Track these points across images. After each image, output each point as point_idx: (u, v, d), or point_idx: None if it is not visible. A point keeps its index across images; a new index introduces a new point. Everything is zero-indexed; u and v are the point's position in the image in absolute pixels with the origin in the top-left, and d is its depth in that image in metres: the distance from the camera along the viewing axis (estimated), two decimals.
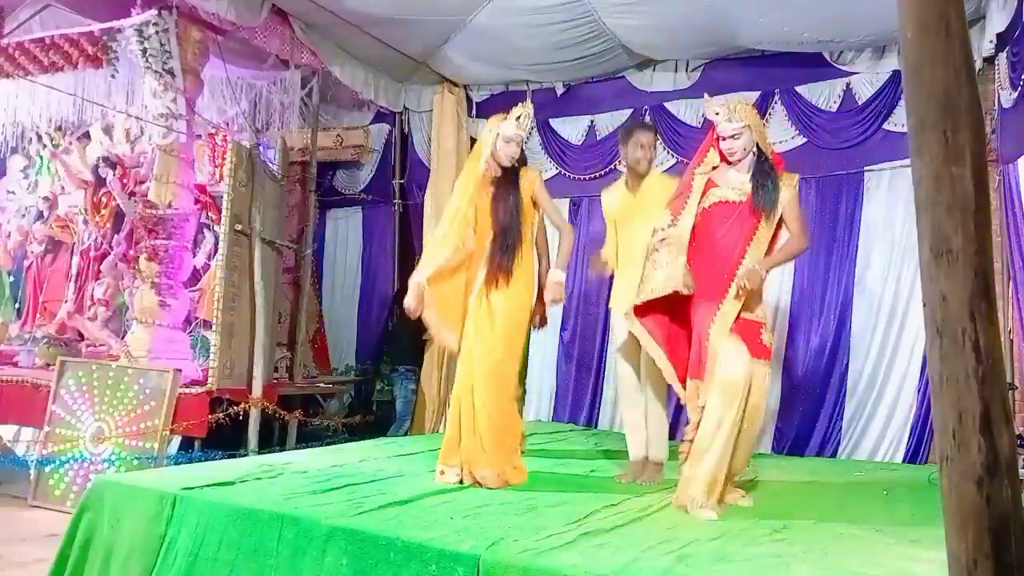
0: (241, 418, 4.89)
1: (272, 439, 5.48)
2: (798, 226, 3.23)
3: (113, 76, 5.55)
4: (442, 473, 3.46)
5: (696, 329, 3.16)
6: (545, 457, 4.33)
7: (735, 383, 2.97)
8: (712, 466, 2.97)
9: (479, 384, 3.39)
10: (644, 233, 3.36)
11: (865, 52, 5.18)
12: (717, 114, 3.22)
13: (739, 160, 3.23)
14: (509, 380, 3.45)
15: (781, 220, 3.21)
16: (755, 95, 5.53)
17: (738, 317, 3.09)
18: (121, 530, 2.97)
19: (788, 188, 3.23)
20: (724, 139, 3.22)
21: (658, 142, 4.09)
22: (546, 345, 6.08)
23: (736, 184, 3.23)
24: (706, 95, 3.34)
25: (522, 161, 3.65)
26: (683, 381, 3.19)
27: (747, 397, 3.01)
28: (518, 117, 3.56)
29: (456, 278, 3.55)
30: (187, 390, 4.74)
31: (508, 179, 3.56)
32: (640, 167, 3.83)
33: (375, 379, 6.72)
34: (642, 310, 3.20)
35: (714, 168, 3.29)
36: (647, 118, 5.92)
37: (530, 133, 3.60)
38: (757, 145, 3.24)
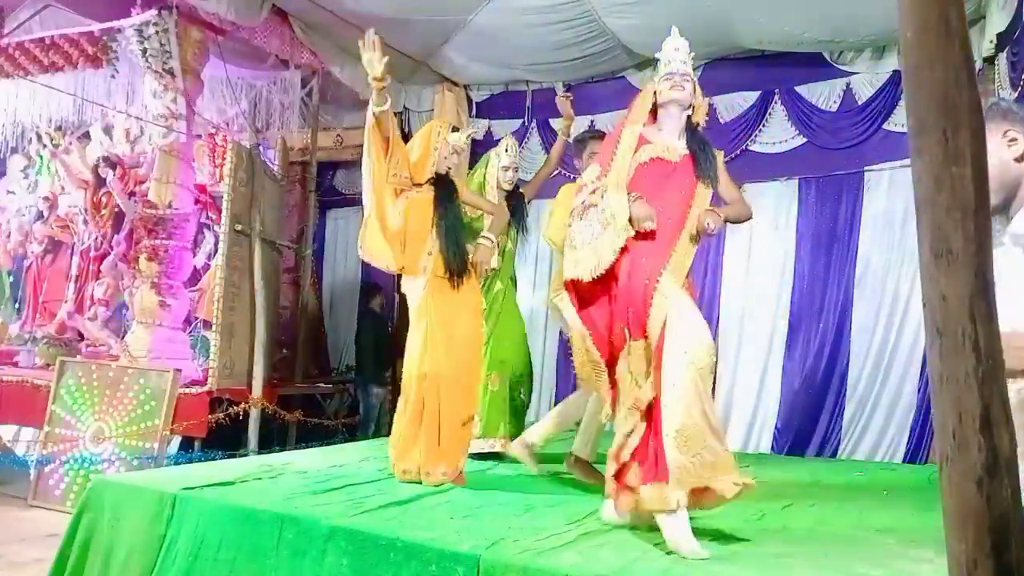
0: (241, 418, 4.89)
1: (272, 439, 5.48)
2: (740, 194, 3.06)
3: (113, 76, 5.56)
4: (404, 472, 3.41)
5: (635, 285, 2.73)
6: (545, 458, 4.33)
7: (710, 349, 2.58)
8: (712, 448, 2.48)
9: (448, 387, 3.39)
10: None
11: (865, 52, 5.18)
12: (677, 50, 3.00)
13: (677, 112, 2.99)
14: (475, 380, 3.58)
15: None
16: (755, 95, 5.54)
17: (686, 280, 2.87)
18: (121, 530, 2.97)
19: (720, 161, 3.06)
20: (674, 76, 2.96)
21: None
22: (546, 345, 6.08)
23: (670, 143, 2.99)
24: (674, 28, 3.09)
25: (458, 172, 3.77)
26: (608, 360, 2.81)
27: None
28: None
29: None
30: (187, 390, 4.75)
31: (444, 187, 3.53)
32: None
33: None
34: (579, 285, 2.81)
35: (645, 125, 3.03)
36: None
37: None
38: (689, 116, 3.01)
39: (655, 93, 3.02)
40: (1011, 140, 2.15)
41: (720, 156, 3.07)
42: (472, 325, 3.54)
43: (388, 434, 5.76)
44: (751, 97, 5.56)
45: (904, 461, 4.79)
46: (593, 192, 2.84)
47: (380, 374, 6.15)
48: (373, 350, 6.10)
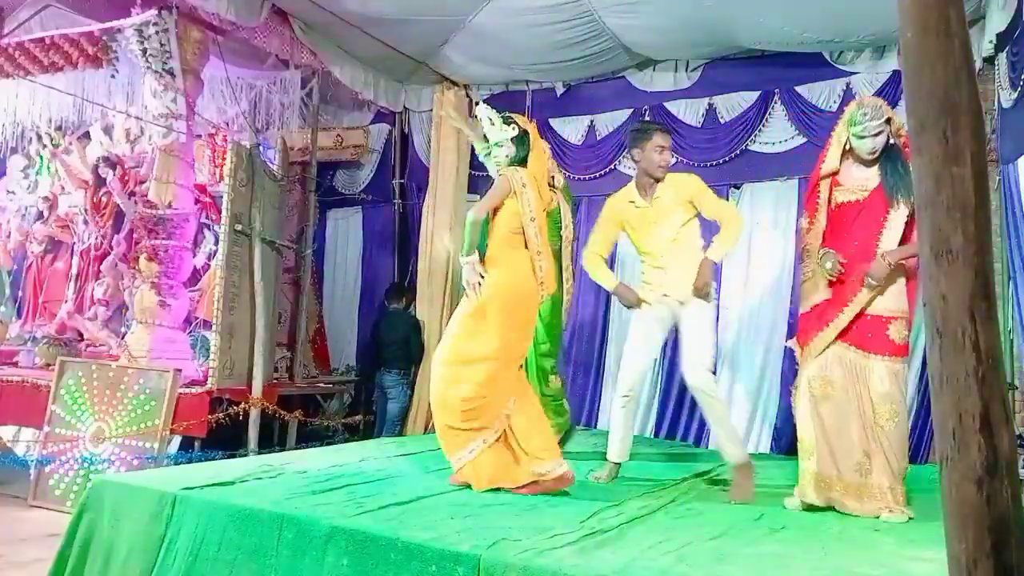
0: (241, 418, 4.89)
1: (272, 439, 5.48)
2: None
3: (113, 76, 5.55)
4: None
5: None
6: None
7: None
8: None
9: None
10: (667, 230, 3.63)
11: (865, 52, 5.17)
12: (866, 115, 3.24)
13: (876, 157, 3.26)
14: (453, 380, 3.43)
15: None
16: (755, 95, 5.54)
17: (862, 315, 3.17)
18: (121, 530, 2.97)
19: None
20: (866, 138, 3.25)
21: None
22: None
23: (861, 181, 3.29)
24: (861, 98, 3.47)
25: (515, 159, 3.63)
26: None
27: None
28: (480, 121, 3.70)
29: None
30: (187, 390, 4.74)
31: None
32: (659, 173, 3.70)
33: (373, 380, 6.65)
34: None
35: (834, 173, 3.38)
36: (647, 117, 5.93)
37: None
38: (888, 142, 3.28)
39: (847, 141, 3.32)
40: None
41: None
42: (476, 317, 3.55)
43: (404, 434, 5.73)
44: (751, 97, 5.56)
45: None
46: (805, 246, 3.43)
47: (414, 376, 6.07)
48: (419, 351, 5.99)
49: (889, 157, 3.25)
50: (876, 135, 3.23)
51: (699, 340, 3.60)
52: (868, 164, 3.29)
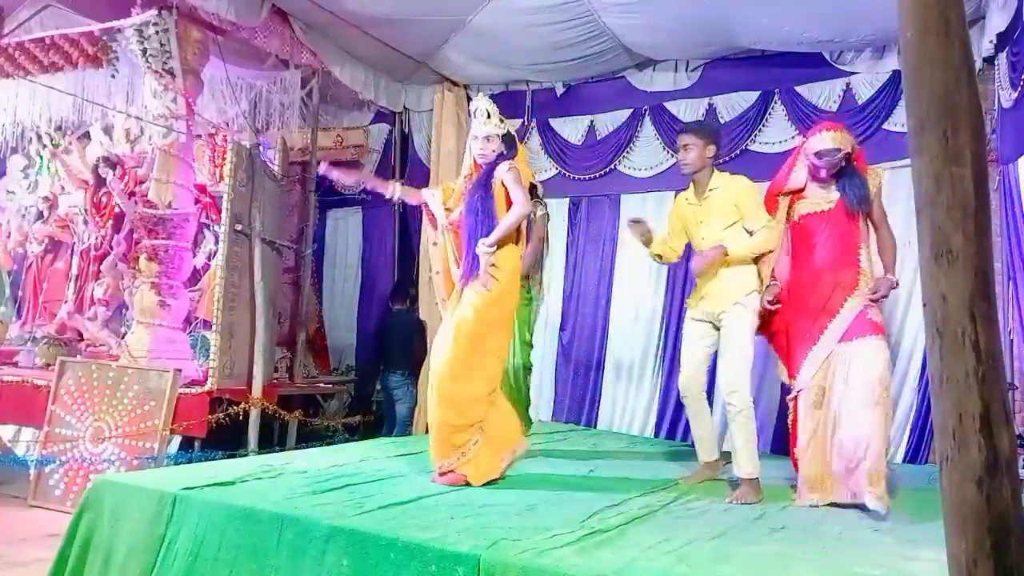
0: (241, 418, 4.89)
1: (272, 439, 5.48)
2: (883, 222, 3.48)
3: (113, 76, 5.55)
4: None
5: (798, 333, 3.45)
6: (545, 457, 4.33)
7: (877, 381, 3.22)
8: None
9: (436, 376, 3.44)
10: (713, 231, 3.59)
11: (865, 52, 5.17)
12: (821, 156, 3.41)
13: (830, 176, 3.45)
14: (466, 376, 3.37)
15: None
16: (755, 95, 5.54)
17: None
18: (121, 530, 2.97)
19: (874, 184, 3.44)
20: (822, 165, 3.43)
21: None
22: (546, 345, 6.08)
23: (823, 193, 3.46)
24: (816, 136, 3.47)
25: (507, 156, 3.54)
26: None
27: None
28: (474, 112, 3.59)
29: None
30: (187, 390, 4.74)
31: (482, 178, 3.51)
32: (684, 170, 3.68)
33: (374, 380, 6.66)
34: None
35: (800, 189, 3.53)
36: (647, 117, 5.93)
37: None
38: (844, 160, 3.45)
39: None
40: None
41: (875, 181, 3.47)
42: (470, 325, 3.43)
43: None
44: (751, 97, 5.56)
45: (904, 461, 4.78)
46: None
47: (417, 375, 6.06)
48: (422, 351, 5.96)
49: (844, 172, 3.44)
50: (831, 165, 3.44)
51: (730, 354, 3.48)
52: (825, 182, 3.48)
